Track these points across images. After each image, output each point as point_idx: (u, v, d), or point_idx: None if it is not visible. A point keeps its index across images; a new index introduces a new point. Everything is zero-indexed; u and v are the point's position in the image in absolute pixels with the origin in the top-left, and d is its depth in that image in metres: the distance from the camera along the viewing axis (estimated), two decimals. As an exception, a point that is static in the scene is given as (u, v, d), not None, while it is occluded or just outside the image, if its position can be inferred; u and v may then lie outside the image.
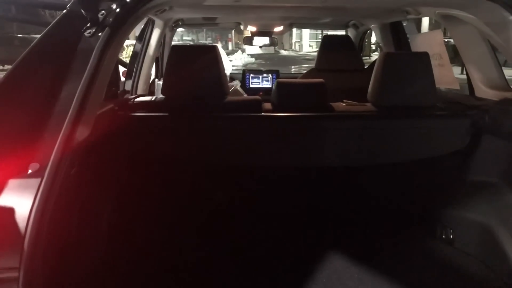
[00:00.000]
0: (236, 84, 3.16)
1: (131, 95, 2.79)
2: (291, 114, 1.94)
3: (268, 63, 19.72)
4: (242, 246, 1.97)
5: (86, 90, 1.20)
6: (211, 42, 28.18)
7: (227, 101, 1.98)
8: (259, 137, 1.96)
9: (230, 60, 19.30)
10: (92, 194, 1.51)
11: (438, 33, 2.52)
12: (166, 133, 1.92)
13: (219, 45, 2.26)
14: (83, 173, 1.33)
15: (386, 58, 1.97)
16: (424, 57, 1.95)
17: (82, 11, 1.34)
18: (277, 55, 25.46)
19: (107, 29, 1.32)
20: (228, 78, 3.43)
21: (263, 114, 1.95)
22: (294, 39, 33.23)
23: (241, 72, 3.92)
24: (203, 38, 29.41)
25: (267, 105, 2.02)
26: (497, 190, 1.88)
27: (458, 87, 2.47)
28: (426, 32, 2.86)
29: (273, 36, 3.82)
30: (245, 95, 3.11)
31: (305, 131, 1.96)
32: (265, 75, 3.97)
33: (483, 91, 2.12)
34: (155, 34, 2.89)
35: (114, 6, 1.40)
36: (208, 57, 1.95)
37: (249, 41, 4.01)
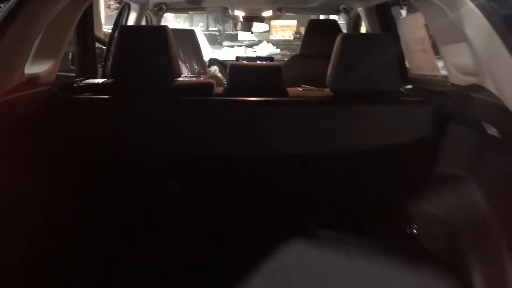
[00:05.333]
0: (215, 70, 3.08)
1: None
2: (241, 98, 1.84)
3: (293, 54, 19.40)
4: (193, 236, 1.89)
5: None
6: (237, 33, 28.00)
7: (177, 84, 1.90)
8: (208, 122, 1.87)
9: (254, 51, 19.24)
10: (6, 180, 1.45)
11: (419, 16, 2.35)
12: (111, 117, 1.86)
13: (198, 29, 2.18)
14: None
15: (344, 39, 1.83)
16: (385, 39, 1.81)
17: None
18: (303, 46, 25.08)
19: (10, 2, 1.26)
20: (207, 63, 3.35)
21: (213, 98, 1.87)
22: (322, 30, 32.66)
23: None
24: (230, 29, 29.26)
25: (220, 89, 1.93)
26: (462, 183, 1.73)
27: (439, 74, 2.30)
28: (408, 16, 2.70)
29: (264, 21, 3.70)
30: (225, 80, 3.02)
31: (257, 116, 1.86)
32: (258, 62, 3.87)
33: (457, 77, 1.96)
34: (132, 18, 2.84)
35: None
36: (158, 38, 1.87)
37: (243, 27, 3.90)
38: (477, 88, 1.63)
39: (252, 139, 1.88)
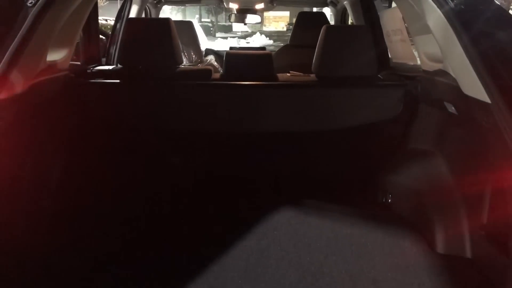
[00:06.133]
0: (211, 58, 3.31)
1: None
2: (237, 83, 2.08)
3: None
4: (192, 208, 2.11)
5: (15, 55, 1.36)
6: (230, 24, 28.05)
7: (179, 70, 2.14)
8: (207, 103, 2.11)
9: (247, 42, 19.28)
10: (34, 149, 1.69)
11: (397, 10, 2.58)
12: (121, 99, 2.10)
13: (195, 21, 2.41)
14: (17, 128, 1.51)
15: (327, 31, 2.07)
16: (362, 30, 2.05)
17: None
18: (296, 37, 25.14)
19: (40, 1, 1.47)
20: (204, 53, 3.58)
21: (211, 82, 2.10)
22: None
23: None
24: (223, 20, 29.32)
25: (217, 75, 2.17)
26: (429, 156, 1.98)
27: (416, 62, 2.54)
28: (388, 9, 2.92)
29: (257, 13, 3.93)
30: (220, 69, 3.24)
31: (250, 98, 2.10)
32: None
33: (427, 64, 2.20)
34: (134, 10, 3.05)
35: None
36: (161, 29, 2.10)
37: (237, 18, 4.13)
38: (442, 73, 1.88)
39: (246, 118, 2.12)
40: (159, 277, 1.58)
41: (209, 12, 27.48)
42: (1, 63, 1.33)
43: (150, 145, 2.19)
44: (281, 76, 2.15)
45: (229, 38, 19.36)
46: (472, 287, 1.54)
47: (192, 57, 3.29)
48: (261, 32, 22.47)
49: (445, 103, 1.80)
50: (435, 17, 1.61)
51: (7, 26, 1.48)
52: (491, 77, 1.32)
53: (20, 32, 1.41)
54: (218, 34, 22.95)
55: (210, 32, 22.62)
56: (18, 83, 1.46)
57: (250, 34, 22.70)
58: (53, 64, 1.90)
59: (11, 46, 1.38)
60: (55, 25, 1.68)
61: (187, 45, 3.18)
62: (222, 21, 28.63)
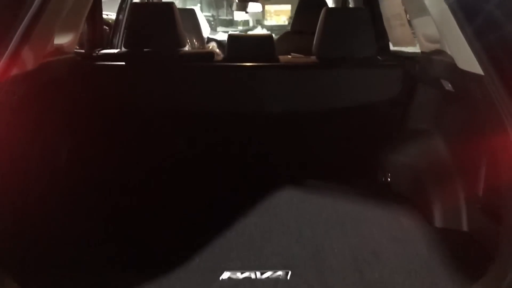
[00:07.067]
0: (213, 45, 3.36)
1: None
2: (239, 64, 2.13)
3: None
4: (198, 186, 2.16)
5: (25, 34, 1.41)
6: (231, 18, 28.00)
7: (182, 53, 2.19)
8: (210, 85, 2.16)
9: (249, 36, 19.43)
10: (42, 126, 1.74)
11: (396, -7, 2.62)
12: (126, 80, 2.15)
13: (197, 8, 2.45)
14: (29, 104, 1.56)
15: (327, 12, 2.12)
16: (361, 12, 2.09)
17: None
18: (296, 30, 25.18)
19: None
20: (206, 40, 3.63)
21: (214, 64, 2.15)
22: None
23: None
24: (224, 14, 29.33)
25: (219, 58, 2.22)
26: (427, 134, 2.02)
27: (416, 46, 2.58)
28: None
29: (258, 1, 3.98)
30: (222, 56, 3.28)
31: (252, 79, 2.15)
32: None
33: (425, 45, 2.24)
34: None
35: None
36: (165, 13, 2.15)
37: (239, 7, 4.21)
38: (439, 52, 1.92)
39: (247, 98, 2.18)
40: (166, 250, 1.64)
41: (210, 6, 27.45)
42: (12, 41, 1.38)
43: (155, 126, 2.24)
44: (283, 58, 2.20)
45: (230, 31, 19.35)
46: (468, 257, 1.60)
47: (195, 44, 3.34)
48: (262, 26, 22.40)
49: (442, 81, 1.85)
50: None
51: (17, 7, 1.53)
52: (483, 49, 1.36)
53: (29, 12, 1.45)
54: (219, 28, 22.87)
55: (211, 26, 22.54)
56: (28, 61, 1.51)
57: (251, 28, 22.62)
58: (60, 47, 1.95)
59: (21, 26, 1.42)
60: (62, 8, 1.73)
61: (189, 32, 3.22)
62: (222, 15, 28.56)
